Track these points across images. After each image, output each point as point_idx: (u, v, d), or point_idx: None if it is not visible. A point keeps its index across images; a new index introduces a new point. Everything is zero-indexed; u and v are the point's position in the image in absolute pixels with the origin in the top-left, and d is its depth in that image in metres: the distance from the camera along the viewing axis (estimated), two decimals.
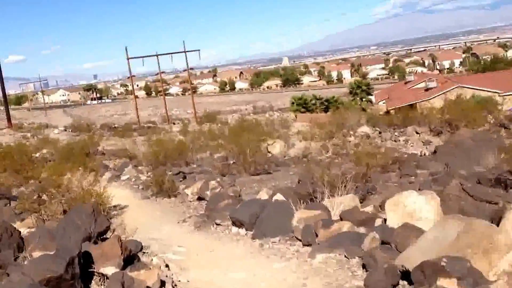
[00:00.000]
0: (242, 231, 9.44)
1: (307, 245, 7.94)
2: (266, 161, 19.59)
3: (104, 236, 7.42)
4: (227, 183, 14.96)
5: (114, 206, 13.10)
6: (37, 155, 31.11)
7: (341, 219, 8.33)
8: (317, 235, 7.81)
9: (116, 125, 64.11)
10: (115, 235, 6.50)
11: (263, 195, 11.21)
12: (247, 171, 17.35)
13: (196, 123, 64.07)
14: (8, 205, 12.98)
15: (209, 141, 36.44)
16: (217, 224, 9.99)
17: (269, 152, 25.69)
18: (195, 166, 19.90)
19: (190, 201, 12.82)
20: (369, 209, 9.75)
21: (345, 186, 10.75)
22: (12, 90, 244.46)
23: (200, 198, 12.65)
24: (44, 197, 11.71)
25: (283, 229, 8.68)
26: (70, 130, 53.92)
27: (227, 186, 14.24)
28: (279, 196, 10.70)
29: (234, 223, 9.71)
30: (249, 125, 43.47)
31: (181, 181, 15.73)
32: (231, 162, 18.94)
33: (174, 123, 68.43)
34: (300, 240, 8.28)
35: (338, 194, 10.60)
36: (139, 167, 19.44)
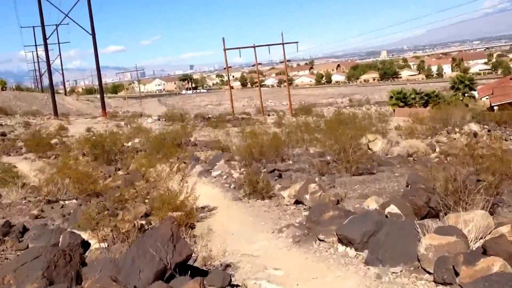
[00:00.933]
0: (351, 251, 7.73)
1: (442, 284, 6.10)
2: (368, 159, 17.68)
3: (186, 262, 5.96)
4: (327, 184, 13.30)
5: (202, 208, 11.97)
6: (128, 144, 31.07)
7: (484, 250, 6.39)
8: (457, 273, 5.94)
9: (210, 116, 64.10)
10: (196, 280, 5.01)
11: (372, 204, 9.44)
12: (348, 171, 15.55)
13: (291, 115, 62.86)
14: (88, 202, 12.17)
15: (305, 134, 34.91)
16: (320, 240, 8.35)
17: (369, 149, 23.71)
18: (291, 162, 18.30)
19: (287, 205, 11.21)
20: (504, 230, 7.63)
21: (471, 197, 8.82)
22: (109, 79, 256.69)
23: (297, 202, 11.02)
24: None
25: (406, 256, 6.86)
26: (163, 120, 54.27)
27: (327, 187, 12.59)
28: (392, 208, 8.90)
29: (340, 241, 8.03)
30: (346, 118, 41.53)
31: (276, 179, 14.18)
32: (331, 159, 17.23)
33: (268, 115, 67.64)
34: (429, 273, 6.46)
35: (462, 208, 8.66)
36: (232, 162, 18.17)
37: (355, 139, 18.07)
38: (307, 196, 10.48)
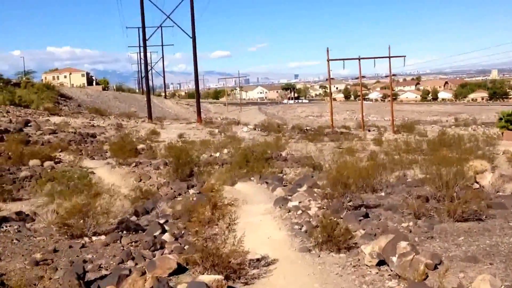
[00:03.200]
0: None
1: None
2: (475, 198, 14.95)
3: None
4: (423, 232, 11.02)
5: (258, 260, 9.97)
6: (216, 155, 30.19)
7: None
8: None
9: (308, 128, 62.41)
10: None
11: (484, 286, 7.01)
12: (450, 214, 13.06)
13: (392, 132, 59.80)
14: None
15: (404, 154, 32.39)
16: None
17: (476, 182, 20.66)
18: (383, 194, 16.02)
19: (367, 266, 8.80)
20: None
21: None
22: (213, 84, 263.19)
23: (381, 262, 8.82)
24: None
25: None
26: (259, 129, 53.33)
27: (423, 237, 10.35)
28: None
29: None
30: (450, 139, 38.51)
31: (360, 221, 11.95)
32: (430, 194, 14.77)
33: (369, 130, 65.13)
34: None
35: None
36: (315, 189, 16.06)
37: (461, 174, 15.49)
38: (395, 259, 8.21)
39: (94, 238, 11.96)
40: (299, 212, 14.00)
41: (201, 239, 8.75)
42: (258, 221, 13.51)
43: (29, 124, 45.22)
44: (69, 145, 34.53)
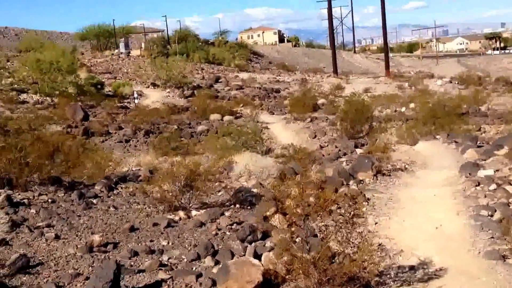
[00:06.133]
0: None
1: None
2: None
3: None
4: None
5: (411, 269, 6.43)
6: (402, 110, 27.39)
7: None
8: None
9: None
10: None
11: None
12: None
13: None
14: None
15: None
16: None
17: None
18: None
19: None
20: None
21: None
22: (407, 37, 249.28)
23: None
24: None
25: None
26: (456, 82, 48.10)
27: None
28: None
29: None
30: None
31: None
32: None
33: None
34: None
35: None
36: None
37: None
38: None
39: (194, 213, 9.57)
40: (493, 187, 9.79)
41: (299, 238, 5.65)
42: (431, 196, 10.07)
43: (219, 80, 47.00)
44: (253, 100, 34.83)
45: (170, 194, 9.51)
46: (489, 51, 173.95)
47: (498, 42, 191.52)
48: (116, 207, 9.93)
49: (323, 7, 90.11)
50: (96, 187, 11.12)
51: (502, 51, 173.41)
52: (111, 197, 10.74)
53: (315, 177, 9.85)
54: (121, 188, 11.47)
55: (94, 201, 10.22)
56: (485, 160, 12.38)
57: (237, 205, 9.98)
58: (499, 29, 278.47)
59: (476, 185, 10.11)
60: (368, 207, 9.16)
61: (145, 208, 9.90)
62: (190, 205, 9.81)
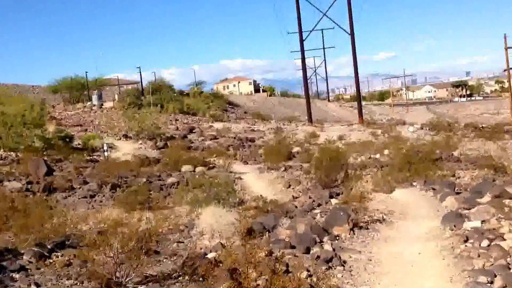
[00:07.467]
0: None
1: None
2: None
3: None
4: None
5: None
6: (376, 156, 27.19)
7: None
8: None
9: (483, 125, 55.74)
10: None
11: None
12: None
13: None
14: None
15: None
16: None
17: None
18: None
19: None
20: None
21: None
22: (378, 86, 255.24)
23: None
24: None
25: None
26: (427, 128, 48.67)
27: None
28: None
29: None
30: None
31: None
32: None
33: None
34: None
35: None
36: (506, 201, 11.55)
37: None
38: None
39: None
40: (485, 243, 8.75)
41: None
42: (416, 254, 9.12)
43: (193, 131, 46.73)
44: (227, 150, 34.40)
45: (101, 266, 7.59)
46: (456, 99, 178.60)
47: (464, 90, 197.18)
48: (39, 285, 7.84)
49: (297, 58, 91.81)
50: (24, 257, 8.92)
51: (469, 98, 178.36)
52: (41, 269, 8.55)
53: (284, 236, 8.97)
54: (56, 257, 9.28)
55: (17, 276, 8.08)
56: (468, 209, 11.59)
57: (186, 277, 8.19)
58: (464, 77, 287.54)
59: (465, 240, 9.19)
60: (344, 273, 8.08)
61: (76, 285, 7.98)
62: (126, 280, 7.78)
